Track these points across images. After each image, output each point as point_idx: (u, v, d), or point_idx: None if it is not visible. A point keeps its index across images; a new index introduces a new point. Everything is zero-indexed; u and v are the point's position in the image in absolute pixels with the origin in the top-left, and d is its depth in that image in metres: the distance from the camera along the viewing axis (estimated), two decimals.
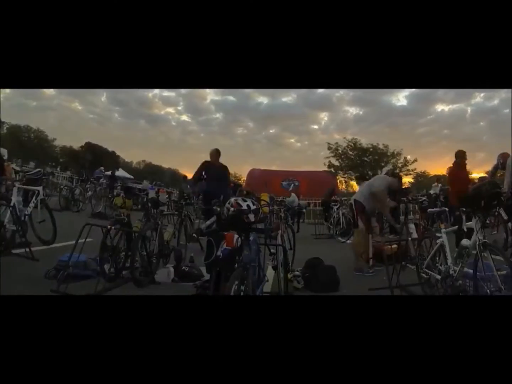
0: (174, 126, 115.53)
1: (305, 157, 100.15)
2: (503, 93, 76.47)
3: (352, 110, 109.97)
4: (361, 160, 37.42)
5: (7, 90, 66.74)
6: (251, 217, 3.83)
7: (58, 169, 27.86)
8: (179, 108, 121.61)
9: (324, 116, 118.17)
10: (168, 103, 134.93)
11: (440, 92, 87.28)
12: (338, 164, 41.41)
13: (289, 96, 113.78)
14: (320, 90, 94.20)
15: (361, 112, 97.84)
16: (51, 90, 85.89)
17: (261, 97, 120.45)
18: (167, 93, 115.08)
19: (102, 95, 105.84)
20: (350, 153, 41.38)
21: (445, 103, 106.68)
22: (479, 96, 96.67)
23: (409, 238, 6.98)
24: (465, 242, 4.61)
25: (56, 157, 60.22)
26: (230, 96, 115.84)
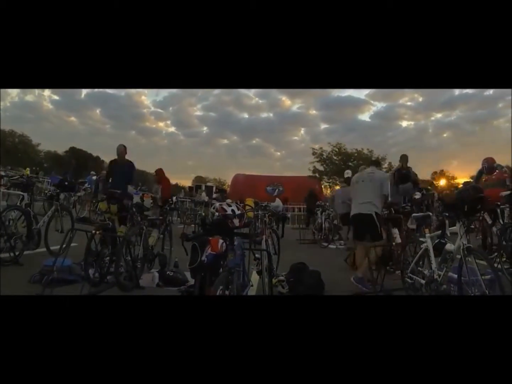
0: (163, 137, 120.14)
1: (286, 164, 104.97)
2: (459, 111, 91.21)
3: (324, 125, 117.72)
4: (346, 165, 37.55)
5: (8, 103, 66.81)
6: (236, 222, 3.83)
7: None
8: (168, 122, 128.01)
9: (300, 130, 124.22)
10: (159, 118, 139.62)
11: (401, 110, 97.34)
12: (323, 169, 41.76)
13: (265, 114, 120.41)
14: (294, 109, 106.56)
15: (331, 127, 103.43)
16: (49, 104, 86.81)
17: (242, 113, 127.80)
18: (160, 110, 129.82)
19: (98, 109, 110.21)
20: (335, 158, 41.75)
21: (405, 120, 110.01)
22: (437, 114, 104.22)
23: (393, 243, 6.98)
24: (449, 246, 4.64)
25: (40, 162, 59.49)
26: (212, 112, 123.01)
